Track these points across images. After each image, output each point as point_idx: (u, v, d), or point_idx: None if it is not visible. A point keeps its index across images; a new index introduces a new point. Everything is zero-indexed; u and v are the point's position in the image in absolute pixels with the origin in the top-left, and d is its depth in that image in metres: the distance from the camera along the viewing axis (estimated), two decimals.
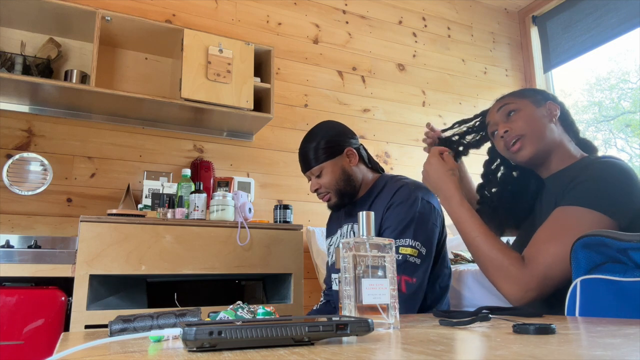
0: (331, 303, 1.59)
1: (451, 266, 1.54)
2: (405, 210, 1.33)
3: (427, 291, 1.36)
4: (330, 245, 1.60)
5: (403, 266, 1.26)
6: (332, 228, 1.63)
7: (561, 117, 1.20)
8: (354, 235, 1.44)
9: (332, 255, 1.58)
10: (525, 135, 1.15)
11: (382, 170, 1.59)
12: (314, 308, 1.65)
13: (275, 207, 2.15)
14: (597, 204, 0.98)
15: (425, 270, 1.29)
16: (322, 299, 1.66)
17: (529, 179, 1.28)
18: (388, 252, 0.72)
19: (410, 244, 1.28)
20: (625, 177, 1.01)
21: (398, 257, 1.27)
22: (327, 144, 1.46)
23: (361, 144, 1.56)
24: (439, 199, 1.22)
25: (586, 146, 1.22)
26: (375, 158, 2.93)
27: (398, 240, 1.30)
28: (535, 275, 0.97)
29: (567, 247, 0.92)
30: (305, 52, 2.92)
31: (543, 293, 0.98)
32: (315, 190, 1.51)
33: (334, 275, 1.54)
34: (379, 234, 1.37)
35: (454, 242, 2.44)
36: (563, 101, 1.24)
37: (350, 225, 1.51)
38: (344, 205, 1.52)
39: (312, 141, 1.48)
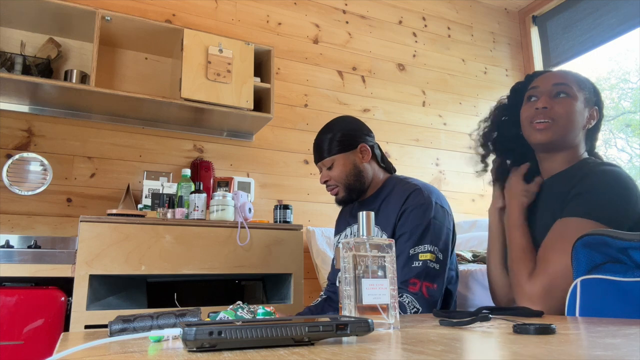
0: (332, 299, 1.60)
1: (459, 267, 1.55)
2: (420, 216, 1.33)
3: None
4: (339, 242, 1.61)
5: (424, 272, 1.27)
6: (340, 226, 1.63)
7: (593, 127, 1.19)
8: None
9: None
10: (556, 123, 1.14)
11: (394, 171, 1.59)
12: (312, 304, 1.65)
13: (275, 207, 2.15)
14: (596, 215, 0.98)
15: (443, 275, 1.31)
16: (322, 294, 1.66)
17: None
18: (388, 252, 0.72)
19: (429, 249, 1.29)
20: (624, 186, 1.02)
21: (418, 263, 1.28)
22: (342, 137, 1.47)
23: (376, 143, 1.56)
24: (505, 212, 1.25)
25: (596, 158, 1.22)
26: None
27: (417, 247, 1.30)
28: (539, 286, 0.99)
29: (568, 258, 0.93)
30: (305, 52, 2.92)
31: (550, 303, 0.98)
32: (325, 182, 1.52)
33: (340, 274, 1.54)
34: (393, 236, 1.38)
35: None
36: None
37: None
38: (352, 200, 1.52)
39: (328, 133, 1.50)
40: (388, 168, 1.57)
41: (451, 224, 1.40)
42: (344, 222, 1.60)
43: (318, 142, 1.52)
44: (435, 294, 1.28)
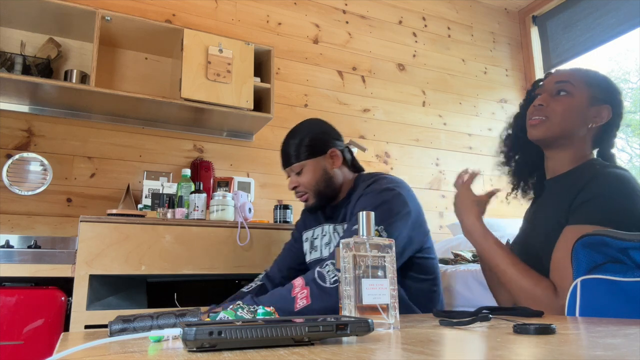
0: (267, 289, 1.54)
1: (444, 265, 1.51)
2: (371, 198, 1.31)
3: (415, 286, 1.36)
4: (315, 238, 1.54)
5: None
6: (309, 222, 1.59)
7: (605, 125, 1.15)
8: (338, 237, 1.42)
9: (311, 248, 1.54)
10: (550, 120, 1.13)
11: (363, 170, 1.55)
12: (246, 288, 1.57)
13: (275, 207, 2.15)
14: (606, 221, 0.97)
15: None
16: (259, 278, 1.60)
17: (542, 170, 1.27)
18: (388, 252, 0.72)
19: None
20: (633, 190, 1.01)
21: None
22: (310, 141, 1.43)
23: (346, 146, 1.52)
24: (462, 229, 1.23)
25: (609, 161, 1.17)
26: (375, 158, 2.95)
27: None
28: (564, 300, 0.97)
29: None
30: (305, 52, 2.92)
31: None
32: (294, 188, 1.47)
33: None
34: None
35: (454, 242, 2.44)
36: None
37: (332, 227, 1.47)
38: (322, 207, 1.48)
39: (296, 137, 1.44)
40: (358, 170, 1.53)
41: (410, 216, 1.32)
42: (315, 220, 1.56)
43: (285, 147, 1.46)
44: None
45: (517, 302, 1.08)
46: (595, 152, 1.20)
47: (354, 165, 1.52)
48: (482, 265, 1.32)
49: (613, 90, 1.17)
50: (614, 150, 1.20)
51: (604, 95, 1.15)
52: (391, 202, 1.30)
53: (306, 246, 1.57)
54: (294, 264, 1.60)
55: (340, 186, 1.46)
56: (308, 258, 1.55)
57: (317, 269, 1.21)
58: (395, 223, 1.27)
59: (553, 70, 1.28)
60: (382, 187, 1.34)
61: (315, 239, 1.54)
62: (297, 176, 1.45)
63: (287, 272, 1.57)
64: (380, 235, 1.22)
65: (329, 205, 1.49)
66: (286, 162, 1.46)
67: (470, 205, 1.20)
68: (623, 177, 1.03)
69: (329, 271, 1.19)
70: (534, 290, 1.03)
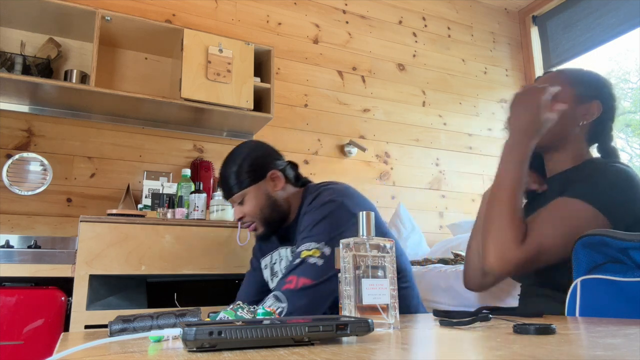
0: None
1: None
2: (313, 214, 1.27)
3: None
4: (274, 263, 1.48)
5: (302, 269, 1.17)
6: (265, 248, 1.53)
7: (598, 120, 1.13)
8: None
9: (272, 275, 1.48)
10: None
11: (309, 182, 1.50)
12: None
13: None
14: (596, 201, 0.96)
15: (327, 270, 1.18)
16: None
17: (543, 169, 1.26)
18: (388, 252, 0.72)
19: (314, 246, 1.20)
20: (629, 181, 1.00)
21: (298, 260, 1.19)
22: (249, 167, 1.36)
23: (288, 163, 1.46)
24: (509, 136, 1.07)
25: (610, 155, 1.16)
26: (375, 158, 2.95)
27: (303, 245, 1.21)
28: (524, 257, 0.94)
29: (557, 234, 0.92)
30: (305, 52, 2.92)
31: (519, 272, 0.95)
32: (240, 219, 1.40)
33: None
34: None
35: (454, 242, 2.43)
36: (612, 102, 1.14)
37: (289, 250, 1.42)
38: (274, 233, 1.43)
39: (233, 165, 1.37)
40: (304, 183, 1.47)
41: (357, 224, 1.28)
42: (271, 243, 1.50)
43: (224, 177, 1.38)
44: (313, 290, 1.16)
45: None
46: (595, 147, 1.19)
47: (298, 179, 1.46)
48: (475, 225, 1.24)
49: (600, 85, 1.16)
50: (614, 144, 1.18)
51: (591, 92, 1.14)
52: (335, 214, 1.24)
53: (266, 274, 1.51)
54: (256, 296, 1.51)
55: (288, 207, 1.40)
56: (271, 285, 1.48)
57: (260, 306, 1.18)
58: (344, 233, 1.21)
59: (542, 74, 1.27)
60: (324, 200, 1.29)
61: (274, 264, 1.48)
62: (240, 206, 1.38)
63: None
64: (322, 252, 1.18)
65: (281, 228, 1.43)
66: (227, 193, 1.39)
67: (538, 127, 1.05)
68: (623, 171, 1.03)
69: (270, 305, 1.15)
70: (508, 228, 0.96)
